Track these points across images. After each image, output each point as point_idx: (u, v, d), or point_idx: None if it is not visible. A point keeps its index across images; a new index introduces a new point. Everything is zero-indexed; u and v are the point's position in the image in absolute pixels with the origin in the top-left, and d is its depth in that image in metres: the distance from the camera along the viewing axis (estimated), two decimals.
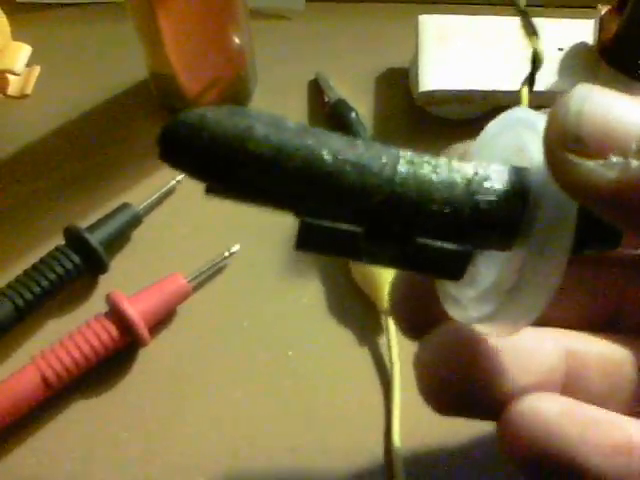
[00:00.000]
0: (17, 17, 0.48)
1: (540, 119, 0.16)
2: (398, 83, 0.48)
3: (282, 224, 0.41)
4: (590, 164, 0.14)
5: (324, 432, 0.35)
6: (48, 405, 0.35)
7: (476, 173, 0.16)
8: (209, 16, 0.41)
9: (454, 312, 0.19)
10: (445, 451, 0.35)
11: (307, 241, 0.15)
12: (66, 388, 0.35)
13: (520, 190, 0.16)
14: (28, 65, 0.46)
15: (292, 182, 0.15)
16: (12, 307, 0.36)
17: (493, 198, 0.15)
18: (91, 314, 0.36)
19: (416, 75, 0.44)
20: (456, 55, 0.44)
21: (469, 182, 0.15)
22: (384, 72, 0.49)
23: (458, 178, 0.15)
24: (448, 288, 0.19)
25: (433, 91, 0.43)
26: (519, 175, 0.16)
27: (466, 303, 0.18)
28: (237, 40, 0.43)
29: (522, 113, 0.18)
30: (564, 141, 0.15)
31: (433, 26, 0.46)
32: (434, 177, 0.15)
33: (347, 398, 0.36)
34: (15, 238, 0.41)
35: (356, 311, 0.39)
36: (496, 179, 0.16)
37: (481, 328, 0.18)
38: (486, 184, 0.16)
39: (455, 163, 0.16)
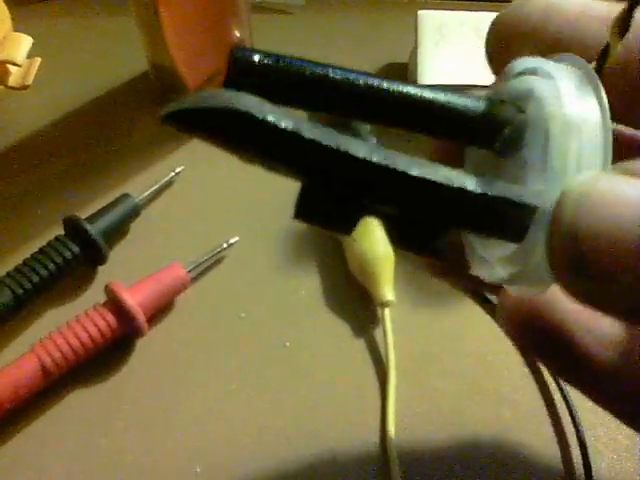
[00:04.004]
0: (18, 8, 0.48)
1: (550, 66, 0.16)
2: (397, 78, 0.48)
3: (281, 216, 0.42)
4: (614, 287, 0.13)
5: (320, 422, 0.35)
6: (47, 394, 0.36)
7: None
8: (210, 9, 0.41)
9: (480, 271, 0.18)
10: (439, 441, 0.35)
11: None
12: (64, 377, 0.36)
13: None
14: (29, 56, 0.46)
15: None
16: (11, 296, 0.36)
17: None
18: (90, 304, 0.37)
19: (415, 70, 0.44)
20: (455, 50, 0.45)
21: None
22: (383, 67, 0.49)
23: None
24: (476, 248, 0.18)
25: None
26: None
27: (494, 262, 0.17)
28: (238, 33, 0.43)
29: (530, 62, 0.17)
30: (570, 267, 0.13)
31: (432, 21, 0.46)
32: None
33: (343, 389, 0.36)
34: (15, 228, 0.41)
35: (353, 303, 0.39)
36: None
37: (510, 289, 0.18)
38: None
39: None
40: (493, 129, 0.16)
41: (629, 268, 0.12)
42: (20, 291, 0.36)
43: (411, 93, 0.16)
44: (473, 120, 0.16)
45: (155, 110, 0.46)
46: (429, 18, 0.46)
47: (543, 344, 0.19)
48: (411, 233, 0.16)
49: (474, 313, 0.39)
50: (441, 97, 0.16)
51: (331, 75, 0.16)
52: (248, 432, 0.35)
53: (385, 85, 0.16)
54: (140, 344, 0.38)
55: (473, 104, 0.16)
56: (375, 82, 0.16)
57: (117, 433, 0.35)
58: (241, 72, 0.15)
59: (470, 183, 0.14)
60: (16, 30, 0.46)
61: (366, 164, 0.14)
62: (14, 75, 0.47)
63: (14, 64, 0.44)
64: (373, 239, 0.38)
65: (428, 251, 0.16)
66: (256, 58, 0.15)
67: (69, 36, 0.50)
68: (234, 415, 0.36)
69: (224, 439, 0.35)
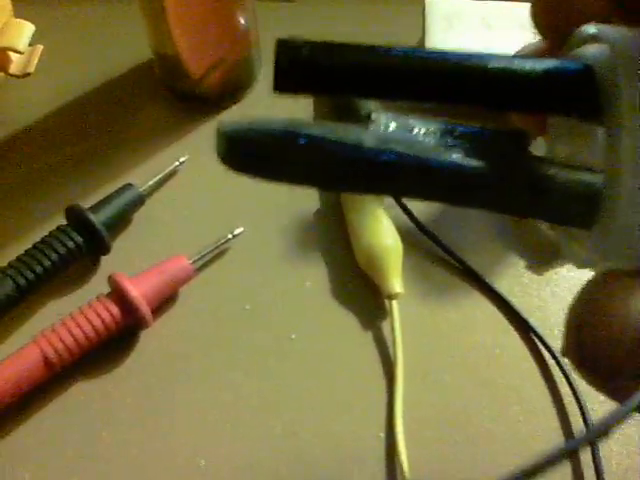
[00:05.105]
0: None
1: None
2: None
3: (286, 207, 0.41)
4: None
5: (326, 416, 0.35)
6: (49, 386, 0.35)
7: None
8: None
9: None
10: (447, 435, 0.35)
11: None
12: (68, 369, 0.35)
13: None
14: (31, 44, 0.45)
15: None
16: (14, 286, 0.35)
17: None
18: (93, 295, 0.36)
19: None
20: (462, 39, 0.44)
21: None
22: None
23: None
24: None
25: None
26: None
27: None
28: (242, 21, 0.43)
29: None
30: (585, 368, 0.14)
31: (440, 9, 0.45)
32: None
33: (350, 382, 0.36)
34: (17, 217, 0.41)
35: (360, 295, 0.38)
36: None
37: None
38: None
39: None
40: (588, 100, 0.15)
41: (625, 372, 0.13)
42: (22, 281, 0.36)
43: (497, 67, 0.15)
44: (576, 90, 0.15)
45: (158, 99, 0.46)
46: (437, 6, 0.46)
47: None
48: None
49: (482, 305, 0.39)
50: (546, 65, 0.15)
51: (408, 60, 0.15)
52: (252, 425, 0.35)
53: (470, 62, 0.15)
54: (144, 336, 0.37)
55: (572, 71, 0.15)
56: (459, 58, 0.15)
57: (120, 426, 0.35)
58: (290, 74, 0.15)
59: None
60: (17, 17, 0.46)
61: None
62: (15, 62, 0.46)
63: (16, 51, 0.44)
64: (381, 230, 0.38)
65: None
66: (304, 54, 0.14)
67: (72, 23, 0.50)
68: (238, 408, 0.35)
69: (228, 432, 0.35)
